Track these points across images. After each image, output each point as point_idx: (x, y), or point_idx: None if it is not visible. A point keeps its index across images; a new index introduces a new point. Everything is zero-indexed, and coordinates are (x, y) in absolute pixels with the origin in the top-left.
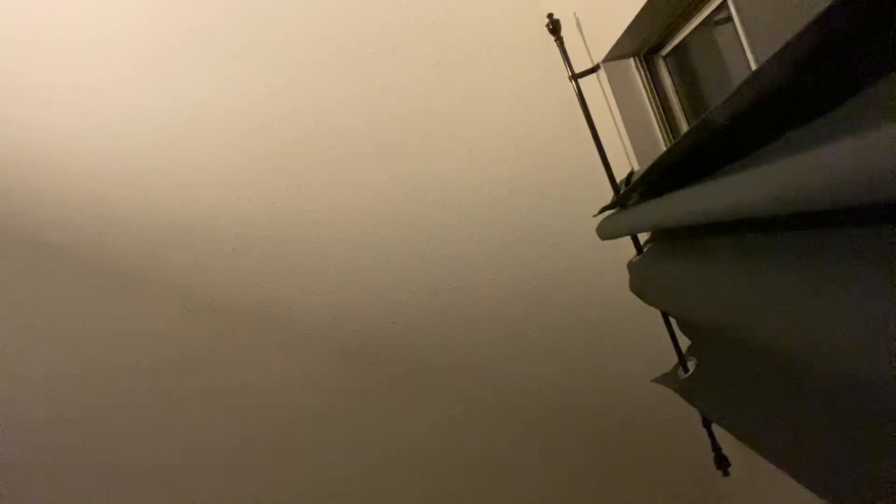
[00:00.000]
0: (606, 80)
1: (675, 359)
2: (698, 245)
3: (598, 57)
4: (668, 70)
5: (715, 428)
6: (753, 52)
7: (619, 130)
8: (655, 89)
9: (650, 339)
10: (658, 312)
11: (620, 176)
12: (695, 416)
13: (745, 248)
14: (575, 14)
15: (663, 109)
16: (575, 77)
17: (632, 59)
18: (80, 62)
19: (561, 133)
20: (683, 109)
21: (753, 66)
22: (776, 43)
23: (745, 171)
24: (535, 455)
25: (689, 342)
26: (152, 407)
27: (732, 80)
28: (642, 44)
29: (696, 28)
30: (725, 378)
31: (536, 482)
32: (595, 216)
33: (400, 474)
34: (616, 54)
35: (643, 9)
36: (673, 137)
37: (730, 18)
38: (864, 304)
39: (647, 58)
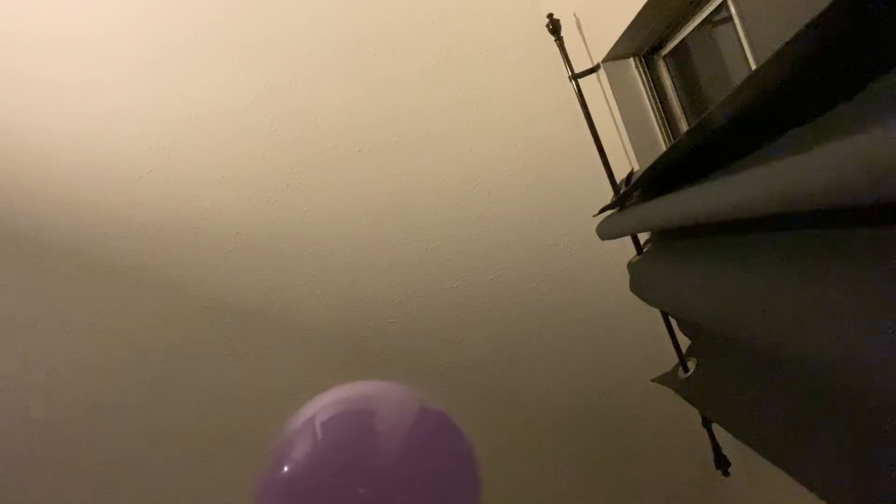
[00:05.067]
0: (606, 80)
1: (675, 359)
2: (698, 245)
3: (598, 57)
4: (668, 70)
5: (715, 428)
6: (753, 52)
7: (619, 130)
8: (655, 89)
9: (650, 339)
10: (658, 312)
11: (620, 176)
12: (695, 416)
13: (745, 248)
14: (575, 14)
15: (663, 109)
16: (575, 77)
17: (632, 59)
18: (80, 62)
19: (561, 133)
20: (683, 109)
21: (753, 66)
22: (776, 43)
23: (745, 171)
24: (533, 455)
25: (689, 342)
26: (150, 407)
27: (732, 80)
28: (642, 44)
29: (696, 28)
30: (725, 378)
31: (535, 482)
32: (595, 216)
33: None
34: (616, 54)
35: (643, 9)
36: (673, 137)
37: (730, 18)
38: (863, 304)
39: (647, 58)
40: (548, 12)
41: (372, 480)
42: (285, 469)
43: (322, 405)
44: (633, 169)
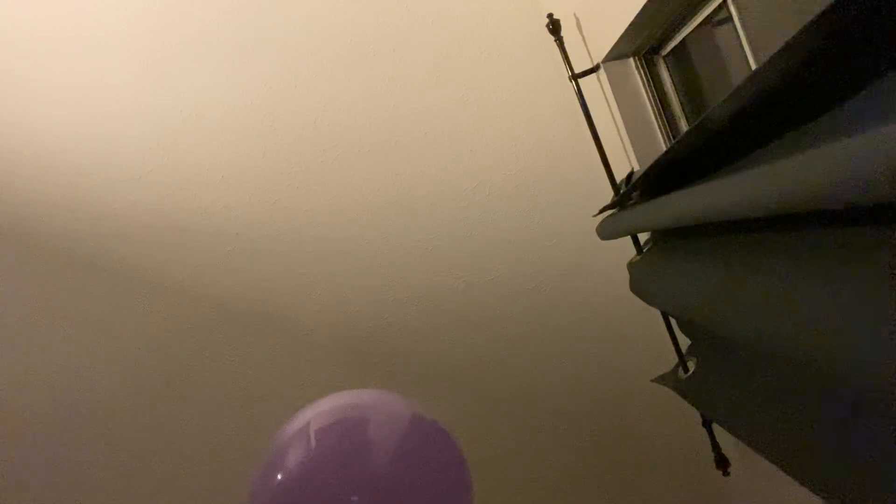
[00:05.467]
0: (606, 80)
1: (675, 359)
2: (698, 245)
3: (598, 57)
4: (668, 70)
5: (715, 428)
6: (753, 52)
7: (619, 130)
8: (655, 89)
9: (650, 339)
10: (658, 312)
11: (620, 176)
12: (695, 416)
13: (745, 248)
14: (575, 14)
15: (663, 109)
16: (575, 77)
17: (632, 59)
18: (80, 61)
19: (561, 133)
20: (683, 109)
21: (753, 66)
22: (776, 43)
23: (745, 171)
24: (534, 455)
25: (689, 342)
26: (150, 407)
27: (732, 80)
28: (642, 44)
29: (696, 28)
30: (725, 378)
31: (535, 483)
32: (595, 216)
33: None
34: (616, 54)
35: (643, 9)
36: (673, 137)
37: (730, 18)
38: (863, 304)
39: (647, 58)
40: (548, 12)
41: (364, 488)
42: (278, 477)
43: (314, 414)
44: (633, 169)
